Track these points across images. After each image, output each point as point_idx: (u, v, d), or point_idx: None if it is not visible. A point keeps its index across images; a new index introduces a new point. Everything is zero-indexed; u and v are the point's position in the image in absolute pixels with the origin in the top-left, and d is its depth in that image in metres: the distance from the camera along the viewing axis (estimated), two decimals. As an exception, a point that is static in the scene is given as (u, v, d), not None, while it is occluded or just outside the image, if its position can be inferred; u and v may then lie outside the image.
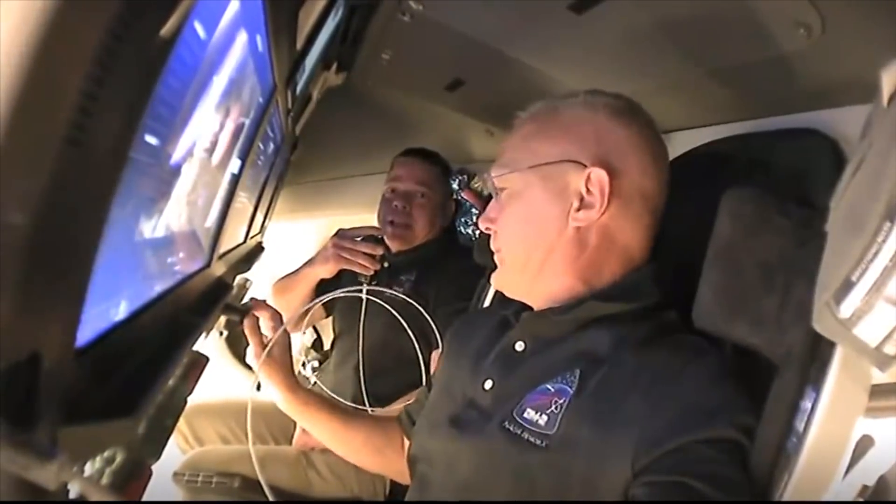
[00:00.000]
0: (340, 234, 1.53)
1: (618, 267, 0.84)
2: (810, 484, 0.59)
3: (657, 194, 0.86)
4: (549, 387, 0.78)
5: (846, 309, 0.48)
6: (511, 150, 0.88)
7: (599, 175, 0.80)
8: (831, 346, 0.58)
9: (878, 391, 0.58)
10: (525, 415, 0.77)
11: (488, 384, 0.85)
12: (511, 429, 0.77)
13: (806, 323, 0.56)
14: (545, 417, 0.75)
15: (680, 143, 1.15)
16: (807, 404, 0.61)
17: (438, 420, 0.89)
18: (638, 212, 0.84)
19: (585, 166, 0.81)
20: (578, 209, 0.81)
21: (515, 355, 0.86)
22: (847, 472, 0.59)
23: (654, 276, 0.85)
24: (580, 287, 0.84)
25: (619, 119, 0.84)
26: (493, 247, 0.90)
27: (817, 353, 0.62)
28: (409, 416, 1.09)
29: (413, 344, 1.56)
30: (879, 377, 0.58)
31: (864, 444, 0.59)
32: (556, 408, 0.75)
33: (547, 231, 0.83)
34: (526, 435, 0.75)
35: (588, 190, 0.81)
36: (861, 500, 0.64)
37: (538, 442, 0.74)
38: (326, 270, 1.55)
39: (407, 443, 1.07)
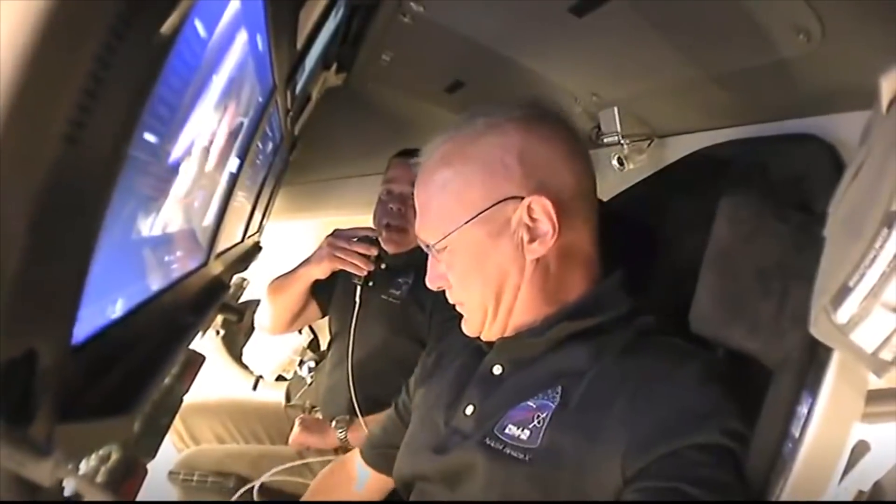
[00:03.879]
0: (336, 233, 1.53)
1: (581, 278, 0.84)
2: (806, 489, 0.59)
3: (591, 187, 0.85)
4: (530, 403, 0.77)
5: (843, 314, 0.48)
6: (435, 205, 0.84)
7: (542, 203, 0.77)
8: (828, 351, 0.58)
9: (874, 396, 0.58)
10: (506, 431, 0.77)
11: (469, 409, 0.84)
12: (492, 445, 0.76)
13: (803, 328, 0.55)
14: (527, 432, 0.75)
15: (679, 148, 1.15)
16: (803, 409, 0.61)
17: (420, 448, 0.89)
18: (583, 215, 0.83)
19: (522, 198, 0.78)
20: (531, 240, 0.79)
21: (494, 379, 0.85)
22: (843, 477, 0.59)
23: (622, 284, 0.84)
24: (550, 308, 0.83)
25: (534, 131, 0.81)
26: (451, 300, 0.88)
27: (814, 358, 0.62)
28: (371, 447, 1.10)
29: (409, 347, 1.56)
30: (876, 382, 0.58)
31: (860, 449, 0.59)
32: (538, 422, 0.75)
33: (508, 273, 0.81)
34: (508, 450, 0.75)
35: (533, 219, 0.78)
36: (856, 505, 0.64)
37: (521, 456, 0.74)
38: (321, 270, 1.54)
39: (370, 471, 1.09)
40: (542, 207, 0.77)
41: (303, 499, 1.17)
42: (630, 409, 0.70)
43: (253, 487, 1.45)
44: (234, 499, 1.48)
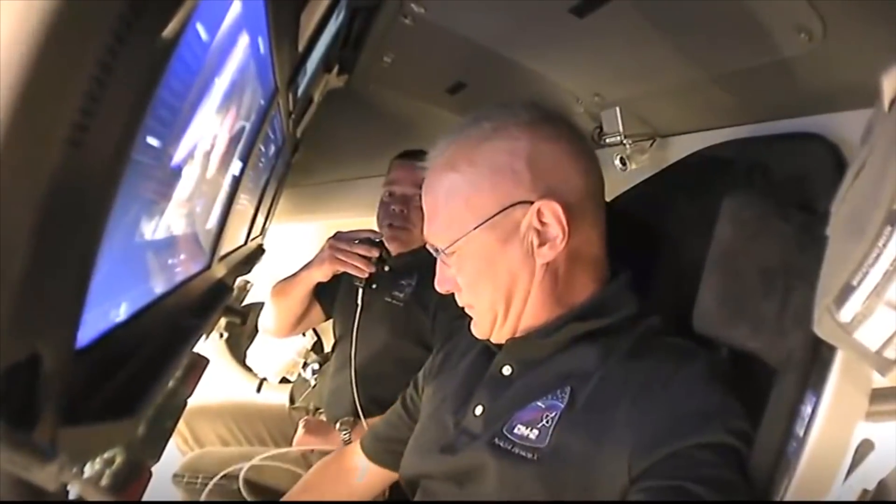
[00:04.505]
0: (337, 236, 1.53)
1: (590, 279, 0.84)
2: (810, 488, 0.59)
3: (599, 187, 0.84)
4: (539, 404, 0.77)
5: (847, 313, 0.48)
6: (444, 210, 0.83)
7: (551, 207, 0.77)
8: (832, 350, 0.58)
9: (878, 395, 0.58)
10: (515, 430, 0.77)
11: (479, 410, 0.84)
12: (501, 444, 0.76)
13: (806, 327, 0.56)
14: (536, 432, 0.75)
15: (681, 147, 1.15)
16: (807, 409, 0.61)
17: (428, 447, 0.89)
18: (591, 217, 0.82)
19: (532, 202, 0.78)
20: (540, 245, 0.79)
21: (503, 379, 0.85)
22: (847, 476, 0.59)
23: (629, 285, 0.85)
24: (559, 309, 0.83)
25: (541, 134, 0.81)
26: (460, 303, 0.88)
27: (817, 357, 0.62)
28: (374, 440, 1.10)
29: (412, 349, 1.56)
30: (880, 381, 0.58)
31: (865, 448, 0.59)
32: (546, 422, 0.75)
33: (517, 277, 0.80)
34: (516, 450, 0.75)
35: (542, 223, 0.78)
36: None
37: (528, 455, 0.74)
38: (322, 273, 1.54)
39: (369, 465, 1.09)
40: (552, 211, 0.77)
41: (296, 490, 1.17)
42: (635, 409, 0.71)
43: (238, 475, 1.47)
44: (210, 485, 1.50)
